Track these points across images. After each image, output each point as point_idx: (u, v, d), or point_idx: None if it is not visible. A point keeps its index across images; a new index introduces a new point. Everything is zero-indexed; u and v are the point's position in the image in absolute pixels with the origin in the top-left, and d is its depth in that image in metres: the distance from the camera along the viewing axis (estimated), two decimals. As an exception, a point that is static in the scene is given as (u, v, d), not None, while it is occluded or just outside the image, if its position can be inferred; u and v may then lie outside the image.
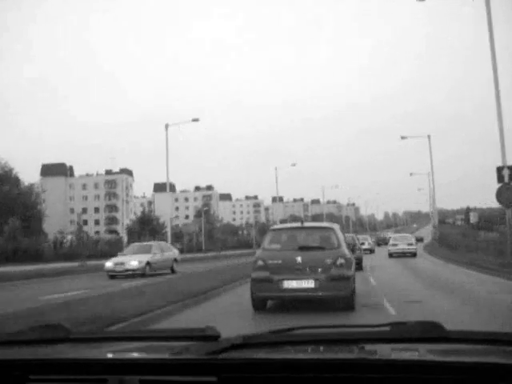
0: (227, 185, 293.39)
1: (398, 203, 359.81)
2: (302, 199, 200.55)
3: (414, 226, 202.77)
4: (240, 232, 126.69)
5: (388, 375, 1.42)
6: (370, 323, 1.76)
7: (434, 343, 1.57)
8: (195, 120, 41.35)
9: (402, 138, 50.56)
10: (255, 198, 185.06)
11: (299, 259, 10.27)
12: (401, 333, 1.56)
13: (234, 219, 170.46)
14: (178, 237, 69.13)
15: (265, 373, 1.47)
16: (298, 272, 10.21)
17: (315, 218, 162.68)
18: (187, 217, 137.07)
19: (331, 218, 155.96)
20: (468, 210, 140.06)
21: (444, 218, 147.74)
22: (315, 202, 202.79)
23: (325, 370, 1.47)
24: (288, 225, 14.46)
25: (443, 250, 40.45)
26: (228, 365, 1.51)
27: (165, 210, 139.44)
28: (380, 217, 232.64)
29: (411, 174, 66.84)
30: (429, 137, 49.31)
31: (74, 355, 1.79)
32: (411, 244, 36.20)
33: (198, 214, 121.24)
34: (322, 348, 1.72)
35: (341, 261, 10.34)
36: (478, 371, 1.38)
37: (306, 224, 12.01)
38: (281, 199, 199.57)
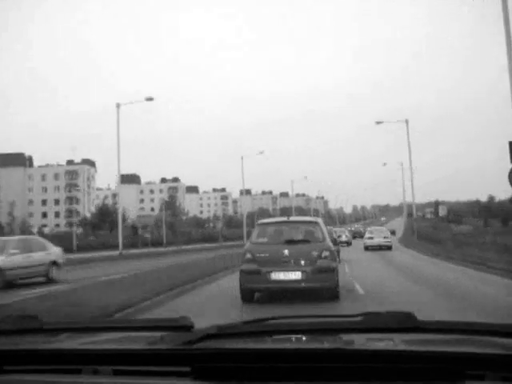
0: (195, 178, 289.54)
1: (367, 197, 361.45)
2: (270, 192, 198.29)
3: (383, 219, 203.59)
4: (207, 225, 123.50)
5: (362, 365, 1.43)
6: (345, 313, 1.82)
7: (407, 333, 1.57)
8: (149, 99, 37.91)
9: (378, 122, 47.47)
10: (223, 190, 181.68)
11: (286, 252, 10.63)
12: (375, 323, 1.57)
13: (202, 212, 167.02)
14: (135, 229, 65.39)
15: (238, 363, 1.48)
16: (285, 264, 10.58)
17: (283, 210, 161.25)
18: (153, 209, 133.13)
19: (300, 211, 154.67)
20: (437, 204, 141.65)
21: (411, 211, 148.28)
22: (284, 194, 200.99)
23: (299, 359, 1.48)
24: (274, 219, 14.61)
25: (424, 244, 38.74)
26: (202, 355, 1.52)
27: (130, 203, 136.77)
28: (348, 210, 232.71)
29: (385, 164, 67.72)
30: (407, 121, 46.76)
31: (48, 346, 1.79)
32: (387, 237, 36.38)
33: (165, 207, 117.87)
34: (296, 338, 1.73)
35: (326, 253, 10.74)
36: (449, 360, 1.42)
37: (292, 218, 12.65)
38: (249, 192, 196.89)
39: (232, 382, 1.43)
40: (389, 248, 35.35)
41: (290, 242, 11.04)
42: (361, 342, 1.67)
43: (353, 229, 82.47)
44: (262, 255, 10.81)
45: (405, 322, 1.53)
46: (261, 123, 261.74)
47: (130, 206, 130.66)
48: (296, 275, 10.53)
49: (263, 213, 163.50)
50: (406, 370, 1.40)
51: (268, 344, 1.69)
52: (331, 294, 10.77)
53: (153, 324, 1.87)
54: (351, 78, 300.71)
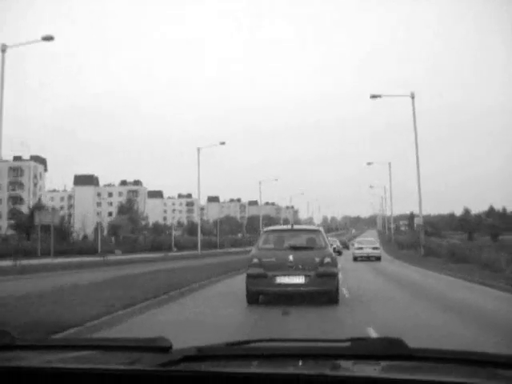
0: (162, 183, 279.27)
1: (337, 208, 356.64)
2: (238, 200, 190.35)
3: (353, 231, 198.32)
4: (168, 232, 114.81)
5: None
6: (333, 338, 1.73)
7: (395, 360, 1.54)
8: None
9: (373, 96, 37.98)
10: (189, 196, 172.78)
11: (291, 257, 11.36)
12: (362, 349, 1.54)
13: (165, 218, 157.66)
14: (65, 234, 56.12)
15: None
16: (289, 269, 11.27)
17: (251, 219, 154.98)
18: (110, 214, 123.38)
19: (268, 219, 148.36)
20: (412, 216, 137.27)
21: (385, 223, 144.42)
22: (253, 203, 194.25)
23: None
24: (280, 227, 16.25)
25: (421, 258, 34.57)
26: (178, 377, 1.46)
27: (86, 205, 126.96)
28: (318, 221, 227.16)
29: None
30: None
31: (17, 363, 1.68)
32: (376, 248, 36.07)
33: (121, 210, 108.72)
34: (280, 363, 1.64)
35: (328, 259, 11.53)
36: None
37: (296, 226, 14.53)
38: (216, 199, 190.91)
39: None
40: (378, 259, 34.91)
41: (295, 248, 11.75)
42: (347, 368, 1.58)
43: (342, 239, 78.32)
44: (268, 260, 11.46)
45: (393, 349, 1.49)
46: (235, 132, 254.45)
47: (86, 209, 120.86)
48: (300, 279, 11.21)
49: (230, 221, 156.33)
50: None
51: (249, 368, 1.58)
52: (332, 297, 11.48)
53: (130, 344, 1.75)
54: (315, 87, 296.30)
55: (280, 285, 11.19)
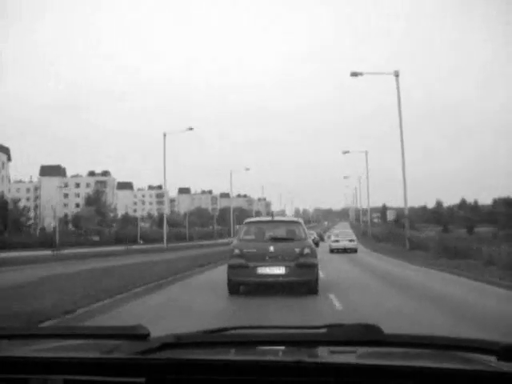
0: (134, 175, 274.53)
1: (309, 200, 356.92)
2: (210, 191, 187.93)
3: (326, 223, 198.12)
4: (136, 224, 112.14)
5: (324, 378, 1.39)
6: (310, 325, 1.71)
7: (371, 346, 1.56)
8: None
9: (353, 74, 35.33)
10: (159, 187, 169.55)
11: (271, 248, 11.57)
12: (339, 335, 1.54)
13: (135, 210, 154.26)
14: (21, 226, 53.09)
15: (195, 374, 1.42)
16: (270, 260, 11.50)
17: (223, 211, 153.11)
18: (78, 205, 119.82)
19: (240, 211, 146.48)
20: (385, 208, 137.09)
21: (358, 215, 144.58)
22: (224, 195, 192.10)
23: (258, 372, 1.42)
24: (260, 218, 16.74)
25: (407, 251, 31.07)
26: (157, 365, 1.46)
27: (52, 197, 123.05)
28: (290, 213, 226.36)
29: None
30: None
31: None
32: (353, 240, 35.97)
33: (89, 202, 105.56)
34: (257, 350, 1.69)
35: (307, 250, 11.73)
36: (411, 374, 1.39)
37: (276, 218, 13.95)
38: (187, 191, 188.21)
39: None
40: (354, 251, 34.72)
41: (275, 239, 11.96)
42: (323, 354, 1.62)
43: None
44: (249, 251, 11.64)
45: (369, 335, 1.49)
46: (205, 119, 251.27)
47: (53, 200, 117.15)
48: (280, 270, 11.39)
49: (202, 213, 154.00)
50: None
51: (227, 355, 1.62)
52: (311, 287, 11.65)
53: (107, 332, 1.74)
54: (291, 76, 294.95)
55: (261, 275, 11.42)
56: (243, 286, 12.09)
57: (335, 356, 1.61)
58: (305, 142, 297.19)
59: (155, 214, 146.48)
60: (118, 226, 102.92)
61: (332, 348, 1.64)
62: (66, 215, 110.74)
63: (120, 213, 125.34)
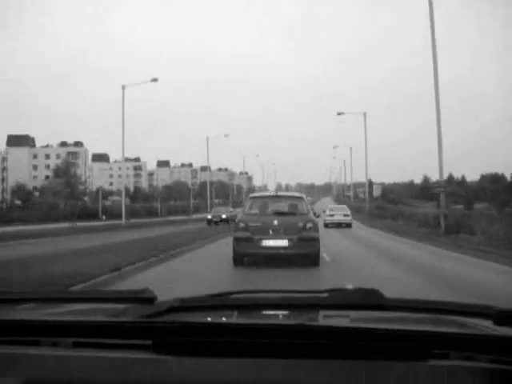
0: (112, 147, 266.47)
1: (292, 175, 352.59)
2: (190, 165, 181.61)
3: (309, 198, 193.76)
4: (109, 198, 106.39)
5: (325, 341, 1.41)
6: (312, 289, 1.74)
7: (372, 310, 1.60)
8: None
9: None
10: (137, 160, 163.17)
11: (275, 222, 12.10)
12: (340, 299, 1.59)
13: (112, 184, 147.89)
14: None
15: (201, 336, 1.44)
16: (274, 233, 12.01)
17: (203, 185, 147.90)
18: (47, 177, 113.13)
19: (221, 185, 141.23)
20: (371, 184, 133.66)
21: (343, 191, 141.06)
22: (205, 168, 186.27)
23: (261, 334, 1.44)
24: (264, 193, 16.63)
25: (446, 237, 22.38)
26: (163, 328, 1.48)
27: (21, 168, 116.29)
28: (272, 188, 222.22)
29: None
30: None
31: (3, 316, 1.71)
32: (347, 215, 36.05)
33: (57, 173, 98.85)
34: (259, 313, 1.75)
35: (309, 225, 12.19)
36: (414, 338, 1.42)
37: (280, 193, 14.95)
38: (166, 164, 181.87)
39: (193, 356, 1.39)
40: (348, 225, 35.00)
41: (279, 213, 12.48)
42: (325, 318, 1.67)
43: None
44: (254, 224, 12.15)
45: (370, 299, 1.53)
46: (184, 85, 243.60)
47: (21, 172, 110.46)
48: (284, 243, 11.92)
49: (180, 186, 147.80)
50: (369, 348, 1.38)
51: (231, 318, 1.68)
52: (313, 260, 12.13)
53: (114, 296, 1.80)
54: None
55: (265, 247, 11.97)
56: (249, 256, 12.52)
57: (335, 319, 1.64)
58: (289, 117, 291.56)
59: (131, 187, 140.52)
60: (90, 200, 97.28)
61: (333, 312, 1.66)
62: (34, 188, 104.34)
63: (96, 186, 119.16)
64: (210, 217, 44.37)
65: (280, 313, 1.75)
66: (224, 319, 1.67)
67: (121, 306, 1.67)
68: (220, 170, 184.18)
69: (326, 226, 34.45)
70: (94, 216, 54.60)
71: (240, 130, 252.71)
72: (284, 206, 12.90)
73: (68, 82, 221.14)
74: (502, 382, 1.34)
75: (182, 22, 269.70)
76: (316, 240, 12.06)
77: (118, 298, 1.74)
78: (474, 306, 1.51)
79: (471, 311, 1.52)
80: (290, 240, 11.84)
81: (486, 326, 1.50)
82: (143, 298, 1.60)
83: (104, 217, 58.25)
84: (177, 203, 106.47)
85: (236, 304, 1.69)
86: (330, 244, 18.50)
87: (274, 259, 12.01)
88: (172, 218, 59.07)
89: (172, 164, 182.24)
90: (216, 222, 41.48)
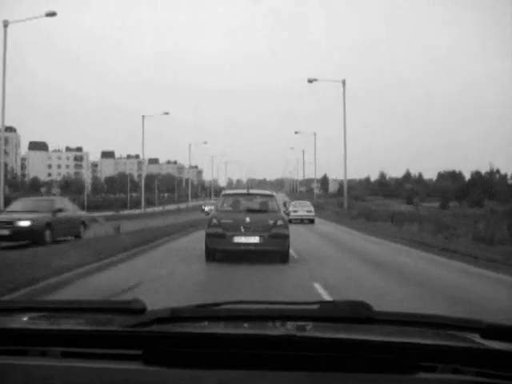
0: (55, 135, 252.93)
1: (243, 170, 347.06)
2: (137, 156, 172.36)
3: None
4: (45, 190, 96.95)
5: (312, 353, 1.42)
6: (300, 300, 1.79)
7: (361, 323, 1.61)
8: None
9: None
10: (79, 149, 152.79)
11: (247, 219, 12.24)
12: (329, 312, 1.61)
13: (50, 174, 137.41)
14: None
15: (191, 347, 1.44)
16: (246, 230, 12.17)
17: (150, 178, 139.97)
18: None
19: (169, 179, 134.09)
20: (325, 179, 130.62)
21: (294, 187, 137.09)
22: (153, 161, 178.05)
23: (250, 345, 1.45)
24: (237, 191, 16.31)
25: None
26: (153, 337, 1.49)
27: None
28: (223, 183, 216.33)
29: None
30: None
31: None
32: (310, 211, 36.65)
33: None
34: (250, 324, 1.73)
35: (280, 222, 12.40)
36: (402, 351, 1.43)
37: (252, 191, 14.29)
38: (111, 154, 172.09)
39: (184, 367, 1.39)
40: (311, 221, 35.53)
41: (251, 211, 12.75)
42: (313, 329, 1.66)
43: None
44: (227, 221, 12.29)
45: (359, 312, 1.55)
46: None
47: None
48: (255, 239, 12.07)
49: (124, 179, 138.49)
50: (358, 360, 1.38)
51: (220, 329, 1.65)
52: (283, 256, 12.34)
53: (103, 306, 1.79)
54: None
55: (237, 244, 12.09)
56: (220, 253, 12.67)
57: (325, 331, 1.62)
58: (241, 108, 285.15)
59: (72, 178, 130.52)
60: (23, 191, 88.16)
61: (322, 324, 1.65)
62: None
63: (31, 176, 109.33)
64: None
65: (270, 324, 1.71)
66: (215, 330, 1.61)
67: (107, 316, 1.65)
68: (169, 162, 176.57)
69: (290, 221, 33.57)
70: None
71: (192, 125, 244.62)
72: (255, 204, 13.32)
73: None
74: None
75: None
76: (286, 237, 12.37)
77: (109, 308, 1.72)
78: (463, 320, 1.55)
79: (459, 325, 1.55)
80: (261, 237, 12.13)
81: (473, 339, 1.51)
82: (133, 309, 1.59)
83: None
84: (111, 196, 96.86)
85: (227, 315, 1.67)
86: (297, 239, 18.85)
87: (246, 255, 12.28)
88: (105, 213, 50.07)
89: (117, 155, 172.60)
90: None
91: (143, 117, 53.17)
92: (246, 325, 1.70)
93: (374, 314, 1.55)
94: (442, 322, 1.59)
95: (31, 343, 1.49)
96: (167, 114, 54.64)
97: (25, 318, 1.79)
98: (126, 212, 56.50)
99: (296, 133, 64.88)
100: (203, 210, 50.95)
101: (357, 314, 1.54)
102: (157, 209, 68.57)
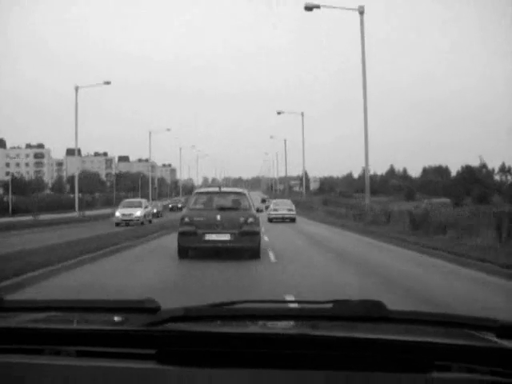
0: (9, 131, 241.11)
1: (218, 169, 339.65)
2: (105, 154, 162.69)
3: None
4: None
5: (328, 352, 1.43)
6: (315, 300, 1.76)
7: (376, 322, 1.60)
8: None
9: None
10: (40, 146, 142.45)
11: (218, 217, 12.70)
12: (343, 311, 1.59)
13: (8, 173, 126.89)
14: None
15: (204, 346, 1.46)
16: (217, 227, 12.61)
17: (120, 176, 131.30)
18: None
19: (142, 177, 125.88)
20: (306, 177, 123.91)
21: (272, 184, 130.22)
22: (123, 158, 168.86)
23: (264, 344, 1.46)
24: (209, 189, 16.77)
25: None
26: (167, 337, 1.51)
27: None
28: (198, 181, 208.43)
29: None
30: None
31: (5, 324, 1.67)
32: (291, 210, 36.30)
33: None
34: (264, 323, 1.75)
35: (251, 219, 12.86)
36: (416, 350, 1.44)
37: (224, 189, 15.02)
38: (78, 152, 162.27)
39: (197, 366, 1.40)
40: (292, 220, 35.22)
41: (222, 208, 13.05)
42: (327, 328, 1.66)
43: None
44: (198, 219, 12.72)
45: (373, 311, 1.54)
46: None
47: None
48: (226, 237, 12.53)
49: (90, 177, 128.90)
50: (373, 359, 1.40)
51: (235, 328, 1.65)
52: (254, 253, 12.81)
53: (117, 305, 1.77)
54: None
55: (208, 241, 12.49)
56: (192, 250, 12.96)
57: (340, 330, 1.61)
58: (218, 106, 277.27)
59: (32, 177, 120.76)
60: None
61: (336, 322, 1.64)
62: None
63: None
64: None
65: (284, 323, 1.73)
66: (228, 329, 1.62)
67: (121, 315, 1.66)
68: (140, 160, 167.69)
69: (270, 220, 34.69)
70: None
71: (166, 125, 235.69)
72: (227, 202, 13.45)
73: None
74: None
75: None
76: (257, 234, 12.79)
77: (123, 307, 1.72)
78: (478, 319, 1.53)
79: (474, 324, 1.54)
80: (232, 234, 12.41)
81: (488, 338, 1.52)
82: (147, 308, 1.59)
83: None
84: (57, 197, 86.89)
85: (240, 314, 1.66)
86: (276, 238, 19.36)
87: (218, 252, 12.52)
88: (51, 215, 41.22)
89: (84, 153, 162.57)
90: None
91: (77, 87, 44.29)
92: (260, 324, 1.70)
93: (389, 313, 1.53)
94: (456, 321, 1.57)
95: (46, 342, 1.50)
96: (108, 83, 44.86)
97: (40, 317, 1.78)
98: (58, 216, 46.82)
99: (279, 113, 60.64)
100: (117, 219, 33.49)
101: (371, 312, 1.52)
102: (98, 212, 57.41)
